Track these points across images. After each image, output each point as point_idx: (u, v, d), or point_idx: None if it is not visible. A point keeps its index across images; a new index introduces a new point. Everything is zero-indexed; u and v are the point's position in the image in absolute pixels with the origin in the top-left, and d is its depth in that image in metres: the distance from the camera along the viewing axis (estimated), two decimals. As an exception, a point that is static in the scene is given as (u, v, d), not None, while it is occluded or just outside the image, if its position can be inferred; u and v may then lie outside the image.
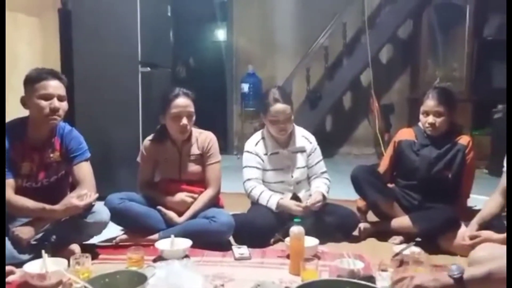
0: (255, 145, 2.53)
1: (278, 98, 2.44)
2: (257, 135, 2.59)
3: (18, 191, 2.04)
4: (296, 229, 1.96)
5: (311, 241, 2.12)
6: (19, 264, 1.82)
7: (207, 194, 2.41)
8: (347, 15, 5.27)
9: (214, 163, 2.45)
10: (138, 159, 2.49)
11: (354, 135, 5.78)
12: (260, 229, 2.29)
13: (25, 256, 1.92)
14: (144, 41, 3.31)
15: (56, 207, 1.99)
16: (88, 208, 2.04)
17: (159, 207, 2.35)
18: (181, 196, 2.37)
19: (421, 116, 2.47)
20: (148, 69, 3.39)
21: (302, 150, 2.56)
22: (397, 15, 5.26)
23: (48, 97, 2.00)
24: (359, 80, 5.51)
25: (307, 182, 2.59)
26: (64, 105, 2.07)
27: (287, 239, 2.06)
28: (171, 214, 2.33)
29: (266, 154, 2.51)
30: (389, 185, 2.59)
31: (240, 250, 2.17)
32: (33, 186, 2.09)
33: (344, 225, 2.43)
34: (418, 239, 2.34)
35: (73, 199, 1.99)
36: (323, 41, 5.28)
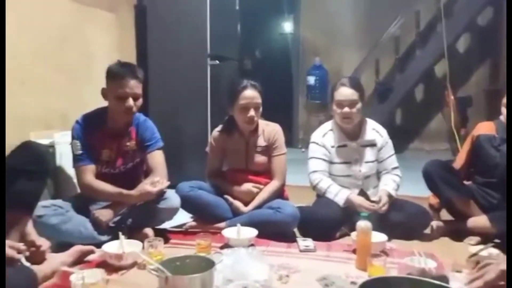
0: (322, 136, 2.49)
1: (344, 82, 2.40)
2: (325, 126, 2.54)
3: (98, 176, 2.19)
4: (363, 224, 1.91)
5: (379, 237, 2.06)
6: (99, 245, 1.96)
7: (273, 185, 2.42)
8: (421, 3, 5.01)
9: (280, 155, 2.46)
10: (207, 149, 2.57)
11: (427, 129, 5.51)
12: (326, 223, 2.26)
13: (104, 237, 2.06)
14: (213, 34, 3.39)
15: (132, 192, 2.11)
16: (160, 194, 2.14)
17: (226, 196, 2.41)
18: (247, 186, 2.41)
19: (502, 109, 2.29)
20: (217, 62, 3.47)
21: (372, 144, 2.48)
22: (476, 1, 4.91)
23: (124, 97, 2.11)
24: (433, 71, 5.24)
25: (376, 178, 2.51)
26: (138, 103, 2.18)
27: (354, 234, 2.02)
28: (238, 203, 2.37)
29: (333, 146, 2.46)
30: (466, 182, 2.44)
31: (305, 242, 2.17)
32: (111, 172, 2.23)
33: (414, 223, 2.33)
34: (497, 240, 2.18)
35: (146, 185, 2.10)
36: (394, 30, 5.08)
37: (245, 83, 2.38)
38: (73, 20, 3.08)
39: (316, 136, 2.51)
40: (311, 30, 5.77)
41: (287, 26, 6.58)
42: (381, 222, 2.22)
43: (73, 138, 2.20)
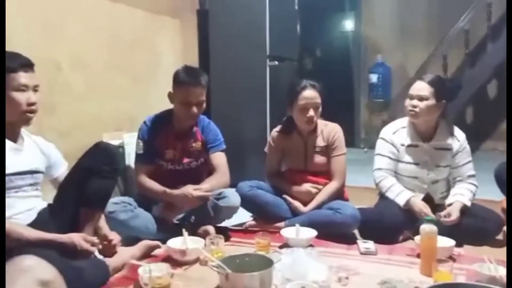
0: (392, 133, 2.40)
1: (424, 77, 2.34)
2: (398, 123, 2.44)
3: (162, 173, 2.29)
4: (427, 228, 1.83)
5: (445, 242, 1.97)
6: (164, 240, 2.05)
7: (332, 185, 2.40)
8: (493, -6, 4.70)
9: (339, 155, 2.43)
10: (266, 149, 2.59)
11: (501, 128, 5.15)
12: (388, 225, 2.20)
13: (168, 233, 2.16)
14: (272, 36, 3.42)
15: (174, 191, 2.19)
16: (203, 199, 2.19)
17: (285, 196, 2.42)
18: (306, 186, 2.40)
19: None
20: (276, 62, 3.49)
21: (447, 148, 2.35)
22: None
23: (188, 104, 2.20)
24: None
25: (446, 183, 2.39)
26: (202, 108, 2.26)
27: (418, 238, 1.95)
28: (297, 203, 2.38)
29: (403, 145, 2.36)
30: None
31: (366, 244, 2.12)
32: (176, 168, 2.34)
33: (485, 228, 2.19)
34: None
35: (189, 189, 2.16)
36: (463, 24, 4.80)
37: (304, 83, 2.38)
38: (141, 28, 3.26)
39: (385, 132, 2.43)
40: (373, 27, 5.61)
41: (348, 24, 6.44)
42: (449, 226, 2.12)
43: (138, 137, 2.33)
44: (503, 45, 4.66)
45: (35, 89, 1.66)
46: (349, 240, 2.20)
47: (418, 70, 4.82)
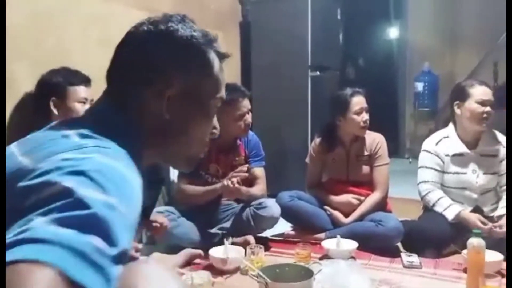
0: (435, 144, 2.33)
1: (481, 82, 2.28)
2: (440, 133, 2.38)
3: (207, 185, 2.35)
4: (475, 241, 1.76)
5: (493, 256, 1.88)
6: (205, 249, 2.10)
7: (374, 196, 2.36)
8: (549, -4, 4.47)
9: (382, 165, 2.39)
10: (307, 159, 2.60)
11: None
12: (433, 238, 2.13)
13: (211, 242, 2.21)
14: (314, 46, 3.43)
15: (215, 186, 2.25)
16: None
17: (326, 207, 2.41)
18: (347, 197, 2.38)
19: None
20: (318, 73, 3.49)
21: (494, 154, 2.27)
22: None
23: (242, 117, 2.27)
24: None
25: (495, 194, 2.29)
26: (251, 116, 2.32)
27: (464, 252, 1.87)
28: (338, 214, 2.36)
29: (448, 155, 2.30)
30: None
31: (410, 258, 2.07)
32: (220, 181, 2.38)
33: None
34: None
35: (226, 180, 2.19)
36: (515, 29, 4.59)
37: (352, 90, 2.41)
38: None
39: (428, 144, 2.37)
40: (419, 34, 5.47)
41: (393, 32, 6.33)
42: (498, 239, 2.03)
43: None
44: (561, 49, 4.42)
45: (91, 102, 1.84)
46: (393, 253, 2.15)
47: (466, 78, 4.64)
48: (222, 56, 0.82)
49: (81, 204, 0.47)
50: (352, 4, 5.12)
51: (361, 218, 2.32)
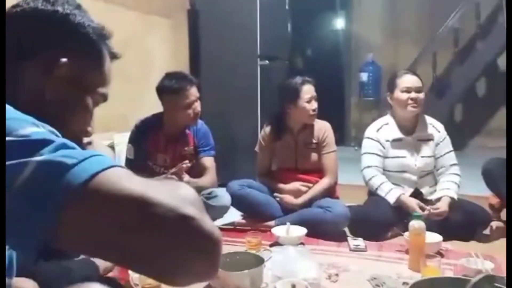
0: (376, 131, 2.44)
1: (407, 71, 2.44)
2: (380, 121, 2.50)
3: (156, 176, 2.29)
4: (416, 224, 1.86)
5: (433, 237, 1.99)
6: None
7: (325, 181, 2.43)
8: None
9: (330, 152, 2.46)
10: (256, 148, 2.61)
11: (489, 125, 5.21)
12: (377, 222, 2.22)
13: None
14: (263, 35, 3.43)
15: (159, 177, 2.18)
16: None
17: (276, 193, 2.43)
18: (296, 185, 2.43)
19: None
20: (267, 62, 3.50)
21: (429, 139, 2.41)
22: (546, -13, 4.57)
23: (191, 105, 2.22)
24: (496, 64, 4.94)
25: (433, 177, 2.43)
26: (200, 104, 2.28)
27: (406, 234, 1.97)
28: (288, 198, 2.39)
29: (388, 140, 2.41)
30: (530, 181, 2.29)
31: (356, 241, 2.14)
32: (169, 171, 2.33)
33: (472, 223, 2.22)
34: None
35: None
36: (452, 23, 4.85)
37: (303, 79, 2.44)
38: (133, 28, 3.25)
39: (370, 131, 2.47)
40: (363, 26, 5.65)
41: (339, 23, 6.47)
42: (437, 221, 2.15)
43: (128, 142, 2.33)
44: (492, 43, 4.73)
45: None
46: (340, 238, 2.22)
47: (408, 68, 4.85)
48: (112, 55, 0.84)
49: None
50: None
51: (310, 202, 2.37)
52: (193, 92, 2.23)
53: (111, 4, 3.02)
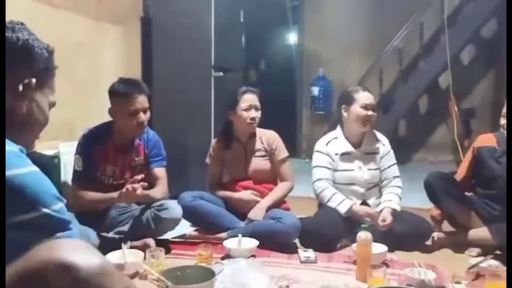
0: (326, 145, 2.51)
1: (364, 88, 2.54)
2: (329, 135, 2.57)
3: (104, 188, 2.21)
4: (363, 235, 1.92)
5: (379, 248, 2.07)
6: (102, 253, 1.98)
7: (285, 185, 2.49)
8: (425, 15, 5.05)
9: (283, 158, 2.53)
10: (207, 160, 2.60)
11: (431, 140, 5.51)
12: (327, 234, 2.27)
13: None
14: (218, 47, 3.44)
15: (112, 194, 2.13)
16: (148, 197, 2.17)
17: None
18: (247, 193, 2.44)
19: (501, 119, 2.30)
20: (221, 73, 3.51)
21: (375, 152, 2.52)
22: (480, 13, 4.93)
23: (135, 113, 2.16)
24: (437, 82, 5.25)
25: (378, 188, 2.52)
26: (148, 115, 2.23)
27: (354, 245, 2.03)
28: (252, 215, 2.39)
29: (337, 154, 2.48)
30: (467, 194, 2.44)
31: (306, 253, 2.17)
32: (118, 183, 2.25)
33: (415, 234, 2.33)
34: (498, 252, 2.18)
35: (128, 186, 2.07)
36: (397, 42, 5.11)
37: (245, 88, 2.50)
38: (84, 34, 3.15)
39: (320, 145, 2.54)
40: (315, 41, 5.81)
41: (292, 37, 6.63)
42: (383, 233, 2.23)
43: (76, 152, 2.24)
44: (434, 62, 5.02)
45: None
46: (291, 250, 2.25)
47: (356, 84, 5.03)
48: (54, 67, 0.97)
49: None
50: (254, 7, 5.25)
51: (273, 202, 2.42)
52: (141, 100, 2.17)
53: (62, 9, 2.91)
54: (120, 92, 2.17)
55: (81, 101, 3.11)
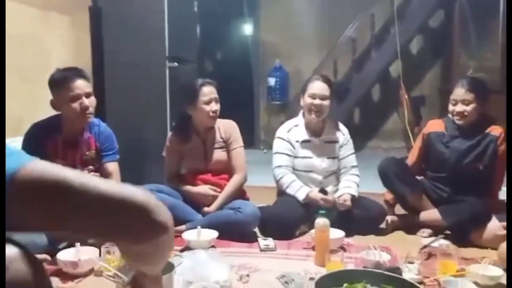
0: (287, 132, 2.54)
1: (319, 77, 2.54)
2: (291, 122, 2.60)
3: None
4: (321, 221, 1.96)
5: (336, 233, 2.11)
6: (54, 253, 1.90)
7: (235, 180, 2.45)
8: (375, 6, 5.18)
9: (237, 148, 2.49)
10: (164, 153, 2.55)
11: (383, 128, 5.69)
12: (286, 222, 2.30)
13: (60, 245, 2.01)
14: (172, 37, 3.36)
15: None
16: None
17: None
18: (204, 188, 2.41)
19: (450, 106, 2.41)
20: (176, 64, 3.44)
21: (335, 141, 2.56)
22: (428, 4, 5.13)
23: (76, 98, 2.07)
24: (388, 72, 5.41)
25: (336, 177, 2.57)
26: (92, 101, 2.13)
27: (312, 231, 2.07)
28: (206, 210, 2.37)
29: (298, 141, 2.51)
30: (418, 178, 2.54)
31: (266, 241, 2.19)
32: None
33: (370, 218, 2.41)
34: (448, 232, 2.30)
35: None
36: (350, 33, 5.22)
37: (203, 81, 2.44)
38: (30, 24, 2.98)
39: (281, 131, 2.56)
40: (270, 32, 5.82)
41: (247, 28, 6.61)
42: (340, 218, 2.29)
43: (22, 147, 2.12)
44: (385, 52, 5.17)
45: None
46: (250, 239, 2.25)
47: (311, 74, 5.10)
48: None
49: None
50: (209, -2, 5.18)
51: (226, 201, 2.38)
52: (79, 84, 2.08)
53: (5, -1, 2.74)
54: (58, 79, 2.08)
55: (29, 95, 2.95)
